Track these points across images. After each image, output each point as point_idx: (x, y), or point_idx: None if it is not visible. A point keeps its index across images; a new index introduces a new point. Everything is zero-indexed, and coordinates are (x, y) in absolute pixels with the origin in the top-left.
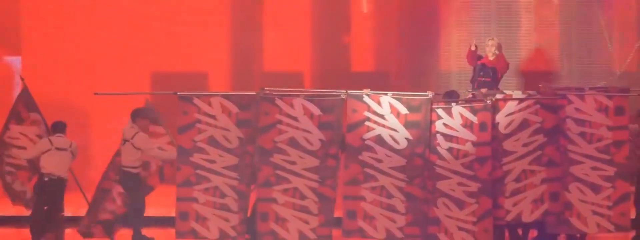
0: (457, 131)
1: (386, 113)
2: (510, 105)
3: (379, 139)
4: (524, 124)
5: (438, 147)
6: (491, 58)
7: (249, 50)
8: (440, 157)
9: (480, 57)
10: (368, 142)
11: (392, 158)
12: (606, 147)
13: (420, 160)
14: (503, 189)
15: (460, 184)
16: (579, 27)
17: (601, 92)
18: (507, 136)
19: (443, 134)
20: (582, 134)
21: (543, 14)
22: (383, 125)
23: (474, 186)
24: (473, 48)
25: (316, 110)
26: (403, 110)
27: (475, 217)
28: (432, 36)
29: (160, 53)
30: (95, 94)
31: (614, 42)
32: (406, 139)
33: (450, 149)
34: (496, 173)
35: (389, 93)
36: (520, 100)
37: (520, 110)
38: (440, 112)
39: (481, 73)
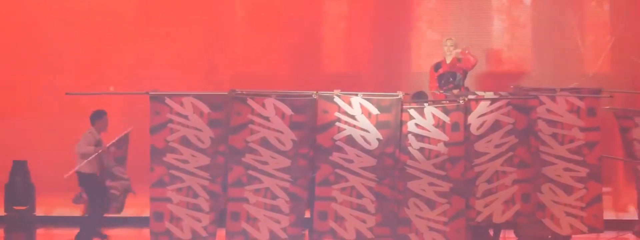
0: (429, 131)
1: (357, 114)
2: (482, 106)
3: (350, 140)
4: (496, 125)
5: (409, 147)
6: (448, 61)
7: (221, 51)
8: (411, 158)
9: (438, 66)
10: (339, 143)
11: (363, 158)
12: (578, 148)
13: (390, 160)
14: (474, 190)
15: (431, 184)
16: (550, 28)
17: (573, 93)
18: (479, 137)
19: (415, 134)
20: (554, 135)
21: (515, 14)
22: (354, 126)
23: (445, 186)
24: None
25: (288, 110)
26: (374, 110)
27: (447, 217)
28: (404, 37)
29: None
30: (67, 94)
31: (586, 43)
32: (377, 139)
33: (421, 149)
34: (467, 174)
35: (360, 94)
36: (492, 101)
37: (492, 111)
38: (412, 112)
39: (442, 81)
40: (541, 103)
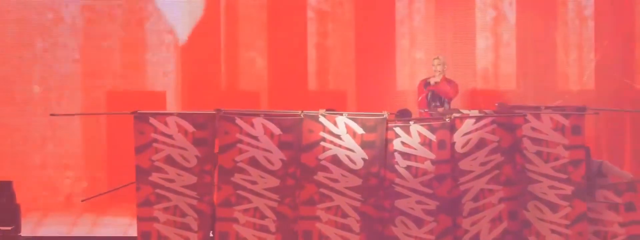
0: (416, 149)
1: (342, 133)
2: (468, 124)
3: (335, 159)
4: (481, 143)
5: (396, 166)
6: (438, 80)
7: (206, 70)
8: (399, 176)
9: (428, 84)
10: (324, 162)
11: (348, 178)
12: (563, 166)
13: (375, 179)
14: (461, 208)
15: (419, 202)
16: (535, 45)
17: (558, 110)
18: (464, 155)
19: (401, 153)
20: (538, 153)
21: (499, 32)
22: (339, 145)
23: (432, 204)
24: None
25: (276, 130)
26: (359, 130)
27: (434, 236)
28: (388, 55)
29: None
30: (51, 115)
31: (570, 61)
32: (362, 159)
33: (408, 167)
34: (453, 192)
35: (345, 113)
36: (477, 119)
37: (477, 130)
38: (397, 130)
39: (436, 102)
40: (526, 121)
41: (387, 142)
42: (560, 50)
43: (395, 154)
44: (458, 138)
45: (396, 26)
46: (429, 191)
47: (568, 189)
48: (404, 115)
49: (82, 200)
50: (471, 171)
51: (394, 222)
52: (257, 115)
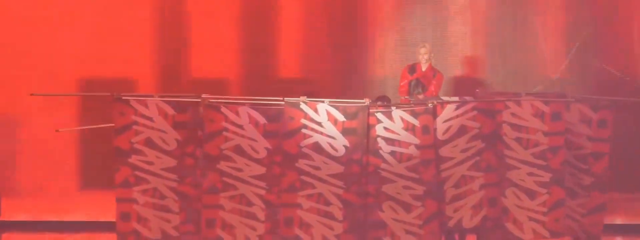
0: (399, 135)
1: (323, 120)
2: (448, 111)
3: (317, 146)
4: (461, 130)
5: (380, 151)
6: (423, 69)
7: (177, 56)
8: (384, 161)
9: (413, 70)
10: (305, 150)
11: (330, 165)
12: (542, 153)
13: (357, 167)
14: (443, 195)
15: (406, 187)
16: (513, 32)
17: (538, 97)
18: (445, 142)
19: (384, 138)
20: (518, 139)
21: (477, 18)
22: (321, 133)
23: (419, 189)
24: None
25: (261, 119)
26: (340, 117)
27: (422, 220)
28: (366, 41)
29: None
30: (32, 94)
31: (549, 48)
32: (344, 146)
33: (392, 153)
34: (437, 178)
35: (326, 100)
36: (458, 106)
37: (457, 116)
38: (379, 116)
39: (418, 89)
40: (506, 107)
41: (369, 127)
42: (539, 36)
43: (378, 139)
44: (439, 124)
45: (373, 12)
46: (416, 176)
47: (546, 176)
48: (383, 102)
49: (57, 131)
50: (452, 158)
51: (381, 207)
52: (242, 103)
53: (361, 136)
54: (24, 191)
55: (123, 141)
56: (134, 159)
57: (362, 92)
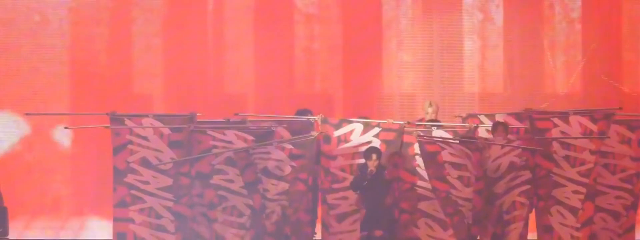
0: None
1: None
2: (495, 150)
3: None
4: (511, 166)
5: (417, 169)
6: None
7: (190, 73)
8: (421, 178)
9: None
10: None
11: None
12: (588, 171)
13: (302, 185)
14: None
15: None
16: (522, 48)
17: (586, 115)
18: (497, 180)
19: (451, 164)
20: (566, 158)
21: (486, 35)
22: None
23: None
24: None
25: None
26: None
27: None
28: (375, 59)
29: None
30: (27, 114)
31: (558, 63)
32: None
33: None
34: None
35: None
36: (503, 146)
37: (505, 154)
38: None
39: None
40: (555, 125)
41: (407, 146)
42: (548, 52)
43: (417, 157)
44: (489, 163)
45: (383, 29)
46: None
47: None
48: (304, 115)
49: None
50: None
51: (417, 224)
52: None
53: (308, 158)
54: (34, 209)
55: (119, 161)
56: (130, 179)
57: (374, 109)
